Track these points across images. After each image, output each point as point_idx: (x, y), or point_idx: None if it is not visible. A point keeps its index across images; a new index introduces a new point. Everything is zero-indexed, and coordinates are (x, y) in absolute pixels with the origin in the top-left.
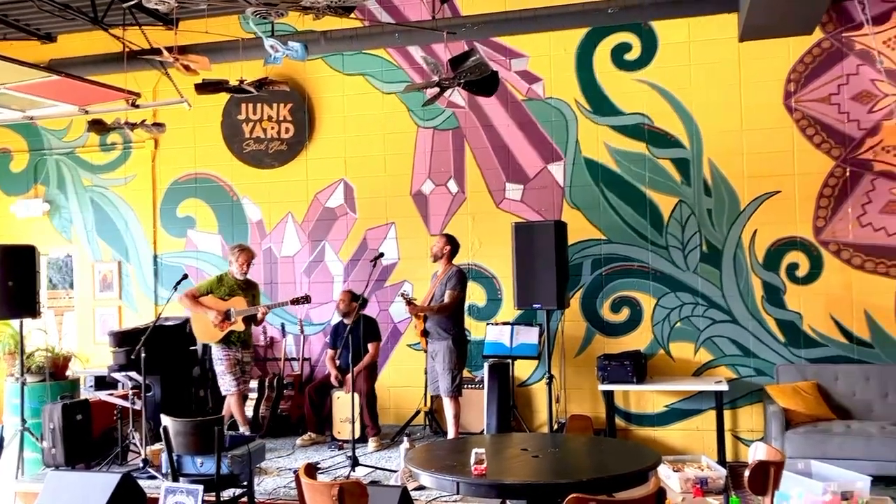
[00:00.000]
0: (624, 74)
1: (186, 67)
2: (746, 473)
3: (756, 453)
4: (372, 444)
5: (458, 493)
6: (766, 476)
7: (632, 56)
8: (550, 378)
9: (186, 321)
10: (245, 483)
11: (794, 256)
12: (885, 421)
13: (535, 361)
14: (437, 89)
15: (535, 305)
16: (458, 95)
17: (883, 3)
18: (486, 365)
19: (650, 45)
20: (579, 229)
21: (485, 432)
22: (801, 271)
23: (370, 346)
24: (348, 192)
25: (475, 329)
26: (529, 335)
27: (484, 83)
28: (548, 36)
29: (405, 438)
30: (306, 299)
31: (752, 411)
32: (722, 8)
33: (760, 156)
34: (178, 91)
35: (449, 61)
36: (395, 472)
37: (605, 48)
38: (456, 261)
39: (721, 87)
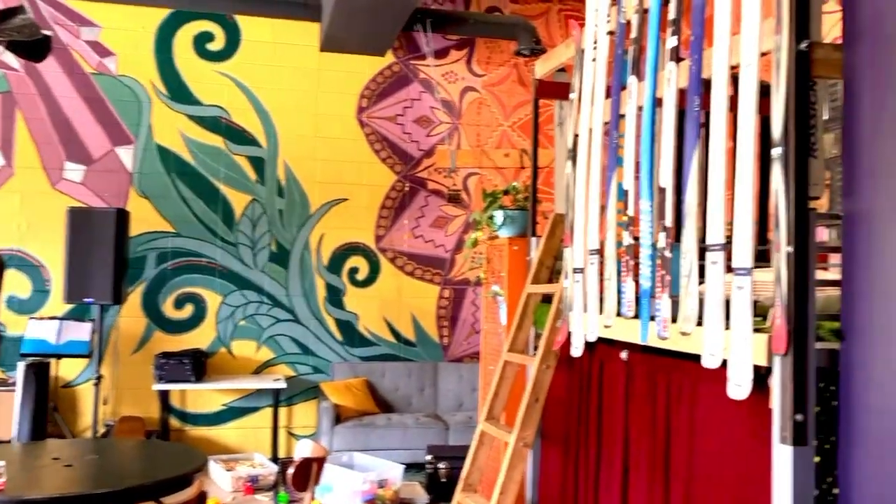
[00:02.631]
0: (205, 64)
1: None
2: (290, 471)
3: (301, 450)
4: None
5: None
6: (307, 472)
7: (215, 47)
8: (98, 378)
9: None
10: None
11: (356, 261)
12: (420, 413)
13: (86, 360)
14: None
15: (86, 300)
16: (11, 55)
17: (444, 41)
18: (20, 364)
19: (234, 39)
20: (146, 220)
21: (15, 440)
22: (361, 275)
23: None
24: None
25: (14, 324)
26: (80, 331)
27: (32, 47)
28: (125, 9)
29: None
30: None
31: (307, 408)
32: (307, 15)
33: (332, 163)
34: None
35: None
36: None
37: (187, 33)
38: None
39: (300, 92)
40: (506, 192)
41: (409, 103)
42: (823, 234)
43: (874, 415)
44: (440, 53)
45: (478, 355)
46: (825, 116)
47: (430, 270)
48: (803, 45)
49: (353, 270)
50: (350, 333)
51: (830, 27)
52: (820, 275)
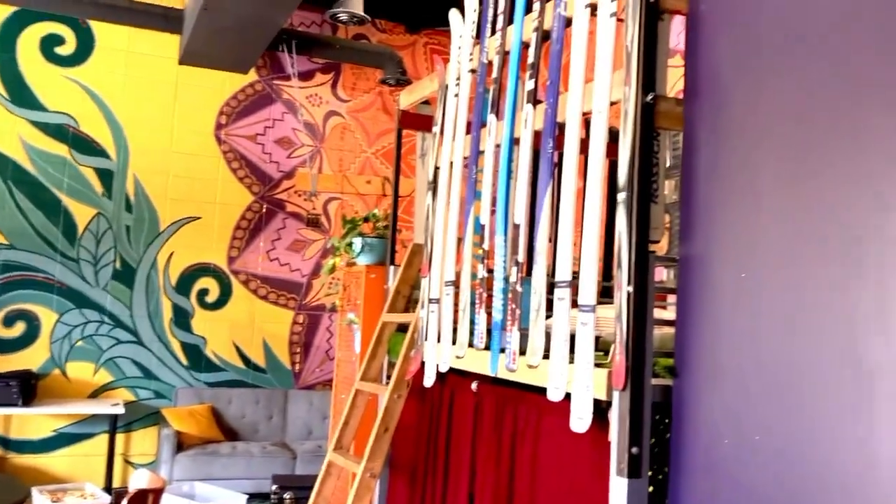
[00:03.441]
0: (54, 68)
1: None
2: (124, 502)
3: (137, 481)
4: None
5: None
6: None
7: (65, 51)
8: None
9: None
10: None
11: (206, 282)
12: (268, 441)
13: None
14: None
15: None
16: None
17: (309, 63)
18: None
19: (86, 44)
20: None
21: None
22: (211, 297)
23: None
24: None
25: None
26: None
27: None
28: None
29: None
30: None
31: (147, 435)
32: (167, 27)
33: (186, 180)
34: None
35: None
36: None
37: (33, 34)
38: None
39: (156, 105)
40: (366, 220)
41: (270, 123)
42: (664, 275)
43: (702, 448)
44: (305, 76)
45: (330, 383)
46: (668, 163)
47: (285, 295)
48: (649, 98)
49: (203, 292)
50: (196, 357)
51: (676, 80)
52: (659, 314)
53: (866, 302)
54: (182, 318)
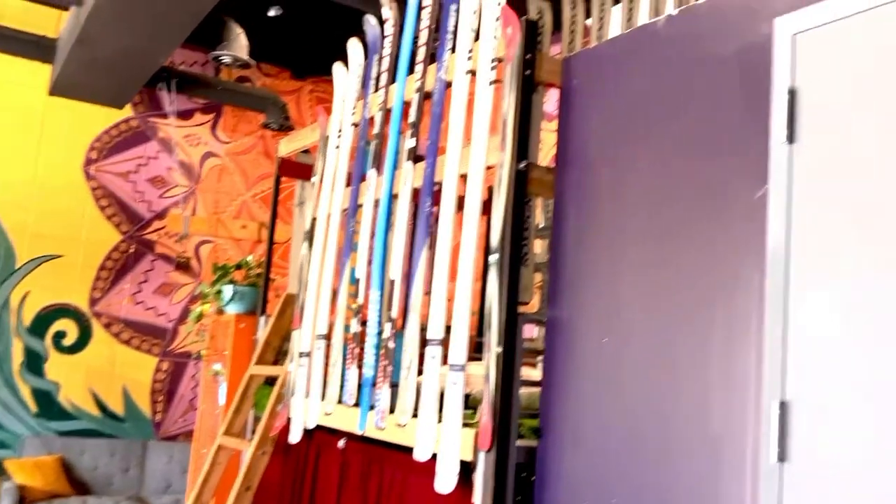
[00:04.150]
0: None
1: None
2: None
3: None
4: None
5: None
6: None
7: None
8: None
9: None
10: None
11: (64, 324)
12: (122, 495)
13: None
14: None
15: None
16: None
17: (189, 102)
18: None
19: None
20: None
21: None
22: (69, 340)
23: None
24: None
25: None
26: None
27: None
28: None
29: None
30: None
31: None
32: (38, 55)
33: (49, 215)
34: None
35: None
36: None
37: None
38: None
39: (21, 134)
40: (238, 267)
41: (144, 161)
42: (535, 333)
43: None
44: (184, 115)
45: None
46: (541, 224)
47: (149, 340)
48: (522, 165)
49: (60, 335)
50: (47, 404)
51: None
52: (528, 373)
53: (714, 370)
54: (34, 362)
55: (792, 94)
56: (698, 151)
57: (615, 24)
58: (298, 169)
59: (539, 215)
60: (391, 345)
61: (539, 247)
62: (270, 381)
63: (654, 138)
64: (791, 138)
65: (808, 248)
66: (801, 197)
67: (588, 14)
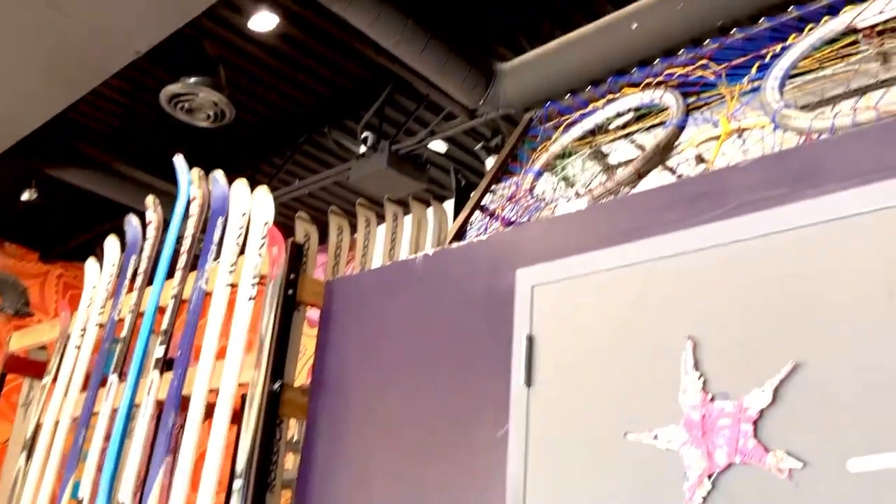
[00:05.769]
0: None
1: None
2: None
3: None
4: None
5: None
6: None
7: None
8: None
9: None
10: None
11: None
12: None
13: None
14: None
15: None
16: None
17: None
18: None
19: None
20: None
21: None
22: None
23: None
24: None
25: None
26: None
27: None
28: None
29: None
30: None
31: None
32: None
33: None
34: None
35: None
36: None
37: None
38: None
39: None
40: None
41: None
42: None
43: None
44: None
45: None
46: (295, 438)
47: None
48: (276, 386)
49: None
50: None
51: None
52: None
53: None
54: None
55: (530, 340)
56: (450, 385)
57: (378, 252)
58: (29, 366)
59: (294, 427)
60: None
61: (291, 462)
62: None
63: (409, 368)
64: (529, 382)
65: (543, 484)
66: (536, 436)
67: (354, 230)
